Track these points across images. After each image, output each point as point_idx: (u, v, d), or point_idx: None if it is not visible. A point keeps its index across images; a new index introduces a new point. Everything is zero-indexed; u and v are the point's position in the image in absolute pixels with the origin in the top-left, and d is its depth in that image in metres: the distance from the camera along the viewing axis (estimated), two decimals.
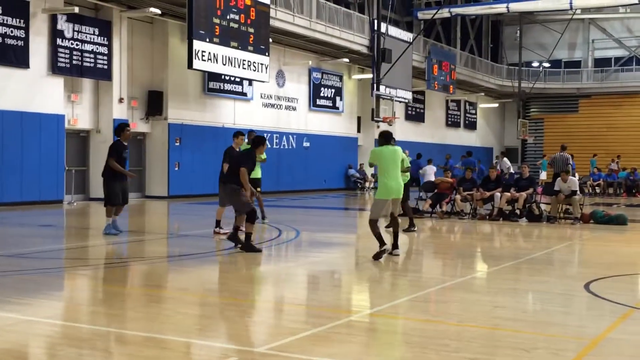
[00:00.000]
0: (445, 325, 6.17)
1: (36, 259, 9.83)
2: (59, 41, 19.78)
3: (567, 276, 9.35)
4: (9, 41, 18.40)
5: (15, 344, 5.44)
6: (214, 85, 25.16)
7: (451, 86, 38.33)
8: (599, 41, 46.75)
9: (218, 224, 12.51)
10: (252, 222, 10.37)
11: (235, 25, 22.81)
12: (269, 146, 27.96)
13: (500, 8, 36.74)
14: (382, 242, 9.81)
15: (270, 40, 25.02)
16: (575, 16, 41.75)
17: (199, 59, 21.38)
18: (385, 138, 10.25)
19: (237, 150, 12.59)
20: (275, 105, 28.61)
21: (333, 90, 31.94)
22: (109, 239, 11.61)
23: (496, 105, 47.43)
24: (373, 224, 9.97)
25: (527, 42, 46.35)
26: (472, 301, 7.33)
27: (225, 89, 25.73)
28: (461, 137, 43.70)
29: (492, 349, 5.43)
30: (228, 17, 22.43)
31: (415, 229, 13.70)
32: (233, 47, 22.75)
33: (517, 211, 16.58)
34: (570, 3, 34.59)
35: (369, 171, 33.74)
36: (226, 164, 12.12)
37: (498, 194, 16.71)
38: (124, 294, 7.56)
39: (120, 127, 12.30)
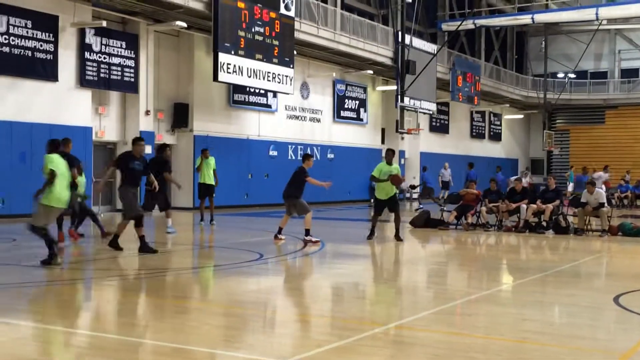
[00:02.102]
0: (472, 338, 6.14)
1: (65, 270, 9.95)
2: (87, 55, 20.07)
3: (596, 289, 9.25)
4: (39, 55, 18.71)
5: (44, 354, 5.51)
6: (239, 97, 25.33)
7: (476, 97, 38.18)
8: (625, 52, 46.29)
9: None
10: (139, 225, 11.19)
11: (260, 38, 22.97)
12: (293, 158, 28.06)
13: (525, 19, 36.58)
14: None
15: (295, 52, 25.15)
16: (601, 27, 41.39)
17: (224, 72, 21.58)
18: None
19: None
20: (300, 117, 28.72)
21: (357, 102, 31.98)
22: (133, 250, 11.64)
23: (521, 116, 47.13)
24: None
25: (553, 53, 46.05)
26: (498, 314, 7.28)
27: (250, 101, 25.89)
28: (486, 149, 43.46)
29: None
30: (253, 30, 22.61)
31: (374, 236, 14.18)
32: (258, 59, 22.91)
33: (544, 223, 16.44)
34: (596, 14, 34.35)
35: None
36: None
37: (524, 206, 16.58)
38: (151, 305, 7.62)
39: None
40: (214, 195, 17.79)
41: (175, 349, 5.57)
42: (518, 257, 13.23)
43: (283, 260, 11.57)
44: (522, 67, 47.28)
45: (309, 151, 28.89)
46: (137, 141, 12.21)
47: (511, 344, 5.94)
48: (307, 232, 13.29)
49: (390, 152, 14.42)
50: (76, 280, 8.57)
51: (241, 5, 22.00)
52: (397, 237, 14.02)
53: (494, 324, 6.78)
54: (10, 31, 18.01)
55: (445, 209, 18.76)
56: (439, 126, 38.54)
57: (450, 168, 31.39)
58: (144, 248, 11.29)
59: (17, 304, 7.58)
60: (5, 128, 18.05)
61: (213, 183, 17.65)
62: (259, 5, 22.76)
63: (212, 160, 17.74)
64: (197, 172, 18.10)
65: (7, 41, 17.91)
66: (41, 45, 18.77)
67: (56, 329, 6.35)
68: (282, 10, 23.81)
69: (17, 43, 18.19)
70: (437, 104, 34.76)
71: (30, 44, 18.48)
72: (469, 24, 35.61)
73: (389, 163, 14.04)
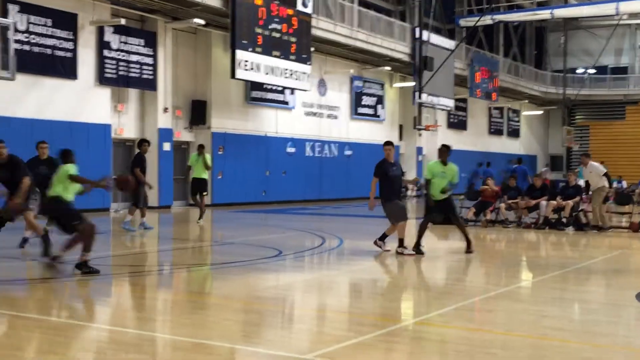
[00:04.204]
0: (492, 335, 6.12)
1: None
2: (105, 52, 20.20)
3: (617, 286, 9.17)
4: (58, 53, 18.86)
5: (66, 348, 5.57)
6: (257, 94, 25.38)
7: (494, 93, 37.97)
8: None
9: (401, 242, 11.48)
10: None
11: (277, 35, 22.99)
12: (310, 154, 28.08)
13: (545, 14, 36.27)
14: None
15: (312, 49, 25.15)
16: (621, 21, 40.96)
17: (241, 69, 21.63)
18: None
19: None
20: (317, 114, 28.72)
21: (374, 99, 31.91)
22: (152, 246, 11.76)
23: (540, 112, 46.80)
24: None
25: (572, 49, 45.66)
26: (518, 310, 7.25)
27: (268, 98, 25.93)
28: (504, 145, 43.22)
29: (540, 359, 5.36)
30: (270, 27, 22.64)
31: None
32: (275, 56, 22.94)
33: (564, 220, 16.32)
34: (617, 8, 33.98)
35: (411, 178, 33.61)
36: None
37: (544, 202, 16.47)
38: (170, 301, 7.67)
39: (139, 142, 14.46)
40: (205, 192, 16.92)
41: (195, 344, 5.61)
42: (538, 253, 13.15)
43: (301, 256, 11.58)
44: (541, 62, 46.93)
45: (326, 148, 28.91)
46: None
47: (531, 341, 5.91)
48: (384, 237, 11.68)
49: (445, 149, 11.75)
50: (96, 277, 8.63)
51: (258, 2, 22.03)
52: (469, 249, 11.61)
53: (514, 320, 6.75)
54: (30, 29, 18.16)
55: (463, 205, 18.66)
56: (457, 123, 38.37)
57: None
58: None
59: (36, 299, 7.67)
60: (26, 126, 18.21)
61: (206, 177, 16.86)
62: (276, 2, 22.79)
63: (207, 156, 16.97)
64: (188, 170, 17.33)
65: (27, 39, 18.06)
66: (61, 44, 18.91)
67: (78, 323, 6.41)
68: (299, 7, 23.81)
69: (37, 41, 18.35)
70: (455, 100, 34.61)
71: (50, 42, 18.63)
72: (487, 20, 35.36)
73: (444, 163, 11.59)
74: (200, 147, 17.51)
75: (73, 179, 8.88)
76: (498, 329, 6.34)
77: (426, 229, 11.73)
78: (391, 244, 11.48)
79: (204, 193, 16.90)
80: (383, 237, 11.60)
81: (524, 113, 45.90)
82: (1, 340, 5.81)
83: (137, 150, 15.32)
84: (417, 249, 11.30)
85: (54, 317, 6.67)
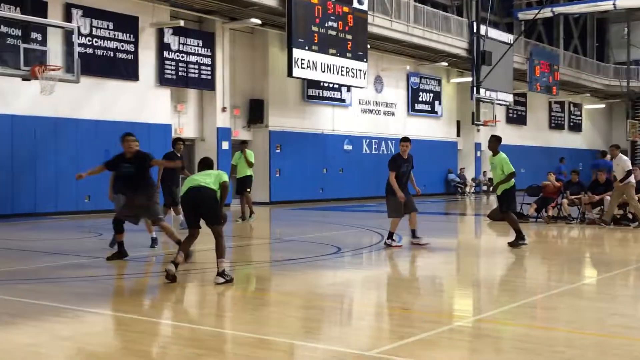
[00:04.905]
0: (557, 332, 6.01)
1: (148, 264, 10.28)
2: (165, 54, 20.60)
3: None
4: (120, 55, 19.32)
5: (135, 343, 5.71)
6: (313, 92, 25.48)
7: (554, 87, 37.19)
8: None
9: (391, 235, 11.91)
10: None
11: (334, 33, 23.04)
12: (367, 152, 28.03)
13: (607, 5, 35.31)
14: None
15: (368, 46, 25.10)
16: None
17: (298, 67, 21.76)
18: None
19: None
20: (374, 111, 28.65)
21: (431, 95, 31.65)
22: (211, 244, 11.86)
23: (603, 106, 45.61)
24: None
25: (635, 40, 44.29)
26: (584, 308, 7.10)
27: (324, 95, 26.00)
28: (566, 140, 42.29)
29: (608, 357, 5.24)
30: (326, 25, 22.70)
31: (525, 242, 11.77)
32: (331, 54, 23.00)
33: (629, 215, 15.88)
34: None
35: (469, 175, 33.22)
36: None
37: (608, 198, 16.06)
38: (233, 297, 7.78)
39: (173, 141, 14.34)
40: (248, 190, 16.73)
41: (258, 340, 5.68)
42: (602, 250, 12.84)
43: (360, 253, 11.59)
44: (603, 55, 45.72)
45: (383, 145, 28.81)
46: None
47: (599, 339, 5.79)
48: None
49: (492, 139, 11.97)
50: (160, 273, 8.82)
51: (314, 0, 22.11)
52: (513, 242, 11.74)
53: (579, 318, 6.62)
54: (93, 33, 18.66)
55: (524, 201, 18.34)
56: (516, 117, 37.73)
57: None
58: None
59: (106, 295, 7.88)
60: (91, 127, 18.74)
61: (249, 174, 16.69)
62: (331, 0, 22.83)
63: (249, 153, 16.85)
64: (233, 169, 16.85)
65: (90, 43, 18.56)
66: (122, 46, 19.37)
67: (142, 319, 6.57)
68: (355, 4, 23.80)
69: (100, 44, 18.84)
70: (514, 94, 34.06)
71: (112, 44, 19.10)
72: (546, 12, 34.66)
73: (494, 154, 11.84)
74: (243, 144, 17.38)
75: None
76: (563, 327, 6.23)
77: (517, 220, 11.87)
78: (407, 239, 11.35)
79: (248, 190, 16.72)
80: (390, 236, 11.80)
81: (586, 107, 44.82)
82: (69, 334, 6.00)
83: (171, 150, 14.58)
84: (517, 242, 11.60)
85: (120, 312, 6.85)
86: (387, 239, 11.81)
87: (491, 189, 11.71)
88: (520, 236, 11.64)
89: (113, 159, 10.11)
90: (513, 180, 11.71)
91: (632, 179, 15.27)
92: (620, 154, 15.74)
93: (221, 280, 8.10)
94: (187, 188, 8.38)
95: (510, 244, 11.67)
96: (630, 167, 15.49)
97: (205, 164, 8.77)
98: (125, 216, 9.97)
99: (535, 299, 7.58)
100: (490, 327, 6.29)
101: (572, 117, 43.49)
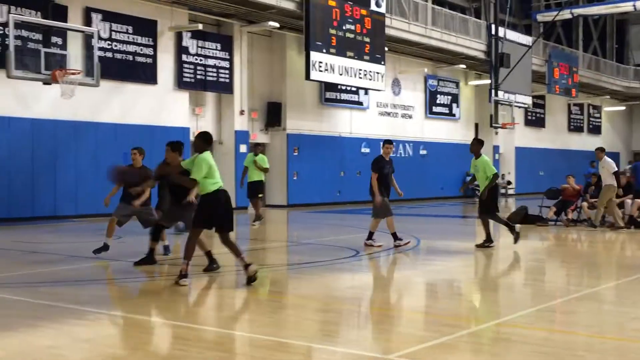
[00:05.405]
0: (577, 337, 5.97)
1: (167, 266, 10.34)
2: (184, 57, 20.70)
3: None
4: (139, 59, 19.45)
5: (153, 345, 5.75)
6: (331, 95, 25.50)
7: (573, 90, 36.92)
8: None
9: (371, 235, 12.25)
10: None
11: (351, 36, 23.04)
12: None
13: (627, 6, 34.92)
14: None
15: (386, 48, 25.07)
16: None
17: (316, 70, 21.78)
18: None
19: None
20: (392, 114, 28.61)
21: (449, 97, 31.55)
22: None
23: (623, 108, 45.20)
24: None
25: None
26: (604, 312, 7.05)
27: (342, 98, 26.01)
28: (585, 143, 41.93)
29: None
30: (344, 28, 22.71)
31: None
32: (349, 57, 23.00)
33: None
34: None
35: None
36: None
37: (629, 201, 15.91)
38: (251, 300, 7.80)
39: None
40: (260, 194, 16.56)
41: (277, 343, 5.69)
42: (623, 254, 12.72)
43: (378, 256, 11.57)
44: (623, 56, 45.30)
45: (400, 148, 28.76)
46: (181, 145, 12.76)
47: (618, 343, 5.73)
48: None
49: (475, 142, 12.66)
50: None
51: (332, 3, 22.13)
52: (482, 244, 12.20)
53: (599, 322, 6.56)
54: (112, 37, 18.80)
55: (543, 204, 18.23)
56: (535, 120, 37.50)
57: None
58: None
59: (125, 298, 7.94)
60: (111, 130, 18.87)
61: (259, 179, 16.33)
62: (349, 2, 22.84)
63: (262, 157, 16.53)
64: (244, 171, 16.51)
65: (110, 46, 18.70)
66: (141, 50, 19.50)
67: (161, 321, 6.60)
68: (373, 7, 23.79)
69: (119, 48, 18.97)
70: (533, 97, 33.85)
71: (131, 48, 19.23)
72: (565, 14, 34.37)
73: (476, 157, 12.42)
74: (256, 147, 17.05)
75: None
76: (583, 331, 6.18)
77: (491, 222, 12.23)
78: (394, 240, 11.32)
79: (260, 195, 16.38)
80: (370, 236, 12.12)
81: (606, 109, 44.44)
82: (89, 337, 6.05)
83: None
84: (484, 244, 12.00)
85: (138, 314, 6.89)
86: (367, 239, 12.12)
87: (479, 194, 12.10)
88: (489, 239, 12.07)
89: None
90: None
91: (614, 182, 15.32)
92: (605, 156, 15.71)
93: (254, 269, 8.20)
94: (216, 189, 8.20)
95: (478, 246, 12.08)
96: (616, 169, 15.66)
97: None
98: (164, 224, 9.97)
99: (555, 303, 7.53)
100: (509, 331, 6.25)
101: (591, 119, 43.14)
